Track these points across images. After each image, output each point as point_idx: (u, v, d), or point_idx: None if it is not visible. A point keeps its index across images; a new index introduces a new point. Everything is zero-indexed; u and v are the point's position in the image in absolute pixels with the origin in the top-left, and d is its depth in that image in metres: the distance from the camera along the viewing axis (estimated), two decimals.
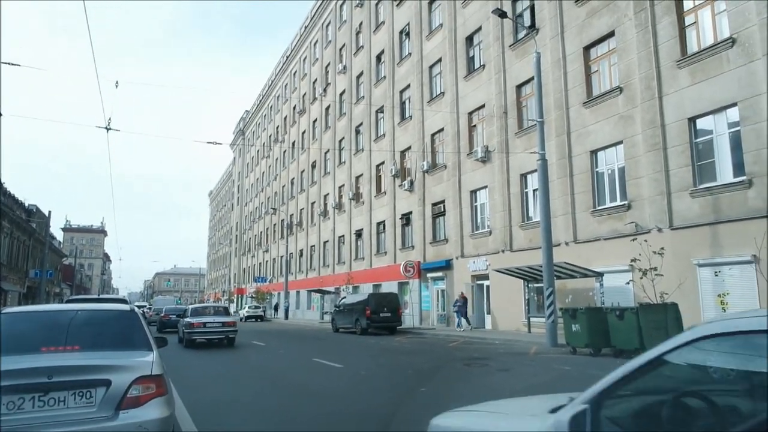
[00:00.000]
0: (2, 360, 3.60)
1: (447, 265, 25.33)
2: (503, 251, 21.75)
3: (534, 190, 19.87)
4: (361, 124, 36.52)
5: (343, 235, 38.40)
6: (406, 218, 29.82)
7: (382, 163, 33.11)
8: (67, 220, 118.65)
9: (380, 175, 33.68)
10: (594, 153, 18.03)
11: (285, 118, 55.51)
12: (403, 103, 31.36)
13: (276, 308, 50.64)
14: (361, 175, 35.98)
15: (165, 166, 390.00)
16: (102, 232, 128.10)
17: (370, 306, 21.93)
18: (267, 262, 58.52)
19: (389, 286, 29.75)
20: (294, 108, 52.47)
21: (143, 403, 3.77)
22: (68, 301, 10.12)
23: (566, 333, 13.55)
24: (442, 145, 27.09)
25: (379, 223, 33.20)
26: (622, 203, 16.74)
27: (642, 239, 14.46)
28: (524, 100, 21.64)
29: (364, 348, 16.25)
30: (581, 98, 18.47)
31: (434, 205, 27.28)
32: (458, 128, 25.36)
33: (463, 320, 22.00)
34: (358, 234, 35.95)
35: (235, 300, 66.59)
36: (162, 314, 28.21)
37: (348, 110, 38.54)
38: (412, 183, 29.01)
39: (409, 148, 29.89)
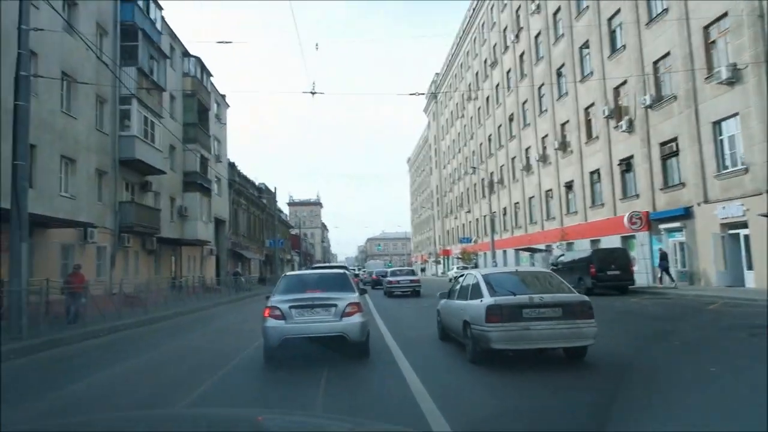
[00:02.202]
0: (292, 296, 7.78)
1: (685, 214, 21.51)
2: None
3: None
4: (562, 65, 33.07)
5: (550, 189, 35.73)
6: (626, 164, 26.19)
7: (592, 105, 29.54)
8: (290, 196, 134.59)
9: (590, 119, 30.17)
10: None
11: (476, 74, 53.61)
12: (612, 32, 27.30)
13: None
14: (567, 121, 32.75)
15: (363, 134, 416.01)
16: (318, 204, 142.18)
17: (594, 263, 19.61)
18: (470, 222, 58.14)
19: (610, 241, 26.65)
20: (485, 61, 50.25)
21: (352, 315, 7.61)
22: (312, 268, 14.34)
23: None
24: (668, 73, 22.86)
25: (592, 173, 29.92)
26: None
27: None
28: None
29: (598, 311, 14.32)
30: None
31: (663, 144, 23.31)
32: (690, 48, 20.97)
33: (666, 277, 20.83)
34: (568, 186, 33.00)
35: (441, 261, 67.93)
36: (372, 275, 37.52)
37: (545, 52, 35.23)
38: (631, 122, 25.23)
39: (625, 82, 25.95)
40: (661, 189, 23.45)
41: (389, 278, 26.47)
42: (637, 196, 25.28)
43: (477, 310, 7.02)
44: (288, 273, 9.74)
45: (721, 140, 19.92)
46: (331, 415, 4.46)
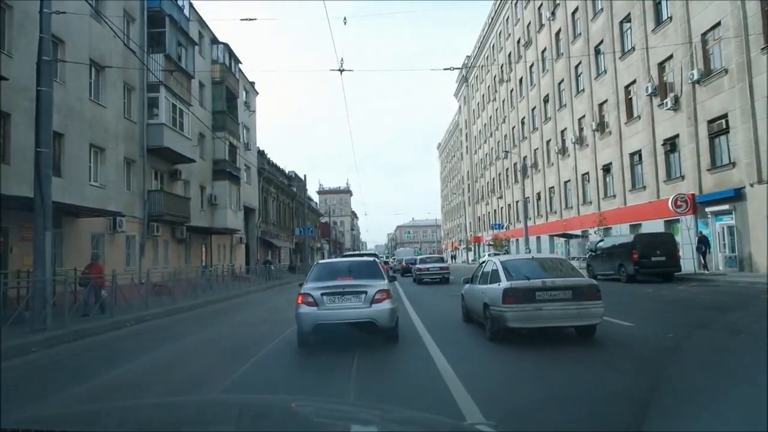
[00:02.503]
0: (323, 283, 8.02)
1: (736, 195, 20.19)
2: None
3: None
4: (601, 42, 31.59)
5: (587, 173, 34.40)
6: (671, 144, 24.81)
7: (633, 82, 28.11)
8: (320, 184, 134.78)
9: (630, 98, 28.75)
10: None
11: (509, 55, 52.06)
12: (657, 4, 25.78)
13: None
14: (606, 101, 31.34)
15: (392, 120, 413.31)
16: (348, 192, 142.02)
17: (637, 248, 18.55)
18: (502, 208, 56.94)
19: (651, 226, 25.38)
20: (518, 42, 48.70)
21: (381, 301, 7.75)
22: (344, 256, 19.39)
23: None
24: (718, 45, 21.41)
25: (632, 154, 28.56)
26: None
27: None
28: None
29: (643, 300, 13.53)
30: None
31: (711, 122, 21.91)
32: (743, 16, 19.53)
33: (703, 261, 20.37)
34: (606, 169, 31.67)
35: (472, 248, 66.91)
36: (402, 263, 37.49)
37: (583, 29, 33.73)
38: (676, 99, 23.84)
39: (670, 57, 24.50)
40: (708, 170, 22.10)
41: (418, 265, 27.01)
42: (682, 177, 23.94)
43: (495, 292, 7.81)
44: (320, 261, 10.27)
45: None
46: (362, 402, 4.58)
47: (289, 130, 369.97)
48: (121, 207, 18.25)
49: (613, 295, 15.30)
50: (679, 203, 22.37)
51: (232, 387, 5.87)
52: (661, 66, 25.46)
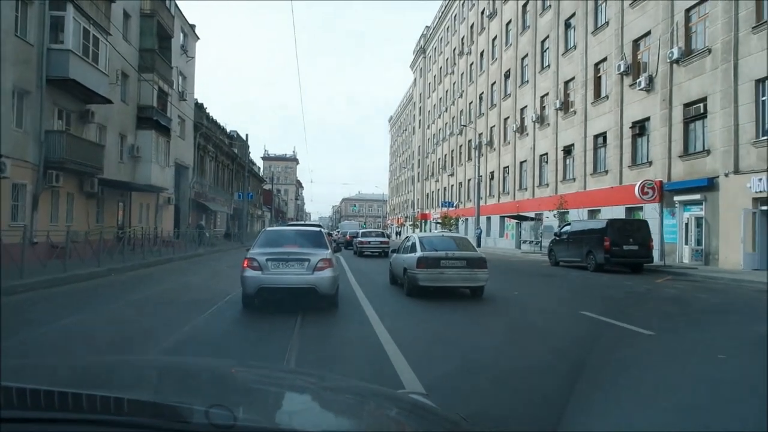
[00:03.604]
0: (269, 249, 8.43)
1: (709, 185, 18.96)
2: None
3: None
4: (572, 15, 29.83)
5: (546, 153, 32.97)
6: (640, 127, 23.42)
7: (603, 60, 26.54)
8: (265, 150, 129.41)
9: (600, 76, 27.22)
10: None
11: (471, 26, 49.85)
12: None
13: None
14: (572, 78, 29.77)
15: (344, 92, 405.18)
16: (294, 160, 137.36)
17: (609, 235, 16.92)
18: (452, 186, 55.40)
19: (611, 212, 24.13)
20: (482, 12, 46.50)
21: (323, 269, 8.24)
22: (289, 225, 13.68)
23: None
24: (703, 22, 19.93)
25: (597, 136, 27.18)
26: None
27: None
28: None
29: (639, 298, 11.61)
30: None
31: (687, 105, 20.56)
32: None
33: None
34: (567, 151, 30.26)
35: (419, 225, 65.32)
36: (347, 236, 37.23)
37: (553, 1, 31.85)
38: (651, 80, 22.35)
39: (648, 34, 22.93)
40: (680, 156, 20.83)
41: (360, 239, 28.26)
42: (650, 163, 22.65)
43: (412, 260, 10.28)
44: (267, 228, 10.87)
45: (764, 101, 17.21)
46: (302, 369, 4.68)
47: (235, 89, 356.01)
48: (9, 149, 14.76)
49: (594, 288, 13.56)
50: (646, 190, 21.08)
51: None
52: (636, 43, 23.92)
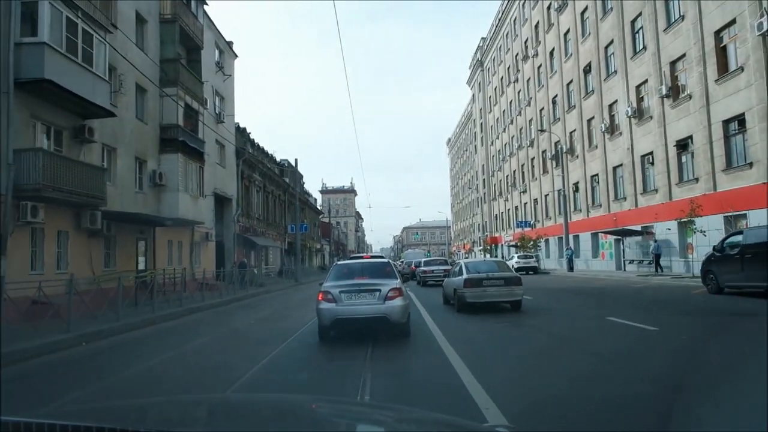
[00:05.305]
0: (341, 282, 8.96)
1: None
2: None
3: None
4: None
5: (650, 153, 26.91)
6: None
7: (727, 25, 20.67)
8: (323, 184, 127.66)
9: (723, 46, 21.30)
10: None
11: (536, 26, 44.69)
12: None
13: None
14: (682, 56, 23.92)
15: (399, 120, 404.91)
16: (352, 191, 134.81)
17: None
18: (525, 204, 49.45)
19: (759, 217, 17.90)
20: (548, 7, 41.32)
21: (394, 298, 8.60)
22: (353, 258, 12.97)
23: None
24: None
25: (726, 122, 21.13)
26: None
27: None
28: None
29: None
30: None
31: None
32: None
33: None
34: (682, 146, 24.19)
35: (489, 250, 59.27)
36: (411, 266, 35.66)
37: None
38: None
39: None
40: None
41: (423, 268, 28.42)
42: None
43: (460, 281, 12.82)
44: (338, 262, 11.62)
45: None
46: (379, 403, 4.59)
47: (287, 123, 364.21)
48: None
49: None
50: None
51: None
52: None
